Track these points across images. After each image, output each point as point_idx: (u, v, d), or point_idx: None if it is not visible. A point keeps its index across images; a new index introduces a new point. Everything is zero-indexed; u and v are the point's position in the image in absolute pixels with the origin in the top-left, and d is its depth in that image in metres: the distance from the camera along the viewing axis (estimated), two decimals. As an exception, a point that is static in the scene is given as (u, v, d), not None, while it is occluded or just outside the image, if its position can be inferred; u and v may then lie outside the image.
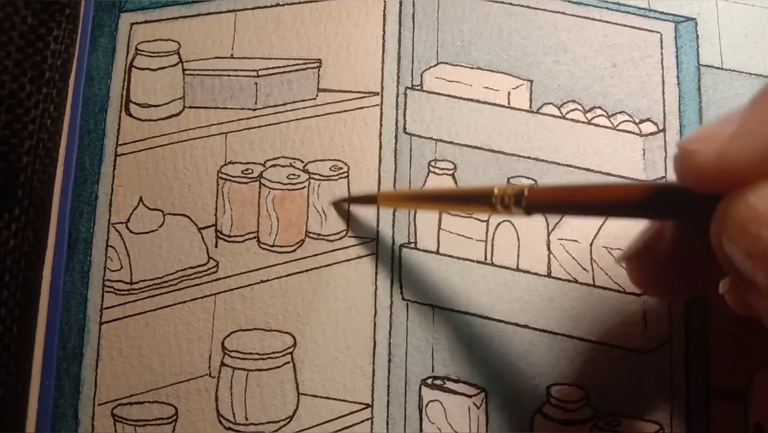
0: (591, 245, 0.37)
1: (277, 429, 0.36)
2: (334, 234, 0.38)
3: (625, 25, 0.40)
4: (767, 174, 0.22)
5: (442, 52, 0.40)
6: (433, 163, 0.39)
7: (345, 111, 0.39)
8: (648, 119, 0.38)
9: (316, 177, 0.39)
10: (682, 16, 0.40)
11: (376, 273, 0.38)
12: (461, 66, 0.40)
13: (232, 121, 0.39)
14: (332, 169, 0.39)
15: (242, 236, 0.38)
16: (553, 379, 0.36)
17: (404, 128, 0.39)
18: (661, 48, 0.39)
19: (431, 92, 0.39)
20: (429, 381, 0.36)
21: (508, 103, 0.39)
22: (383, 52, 0.40)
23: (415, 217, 0.38)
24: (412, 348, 0.37)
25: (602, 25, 0.40)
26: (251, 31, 0.41)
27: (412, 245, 0.38)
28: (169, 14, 0.41)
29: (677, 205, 0.26)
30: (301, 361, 0.37)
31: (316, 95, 0.40)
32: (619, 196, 0.27)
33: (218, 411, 0.36)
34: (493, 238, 0.38)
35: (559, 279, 0.37)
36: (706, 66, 0.39)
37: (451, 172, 0.38)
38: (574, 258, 0.37)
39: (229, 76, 0.40)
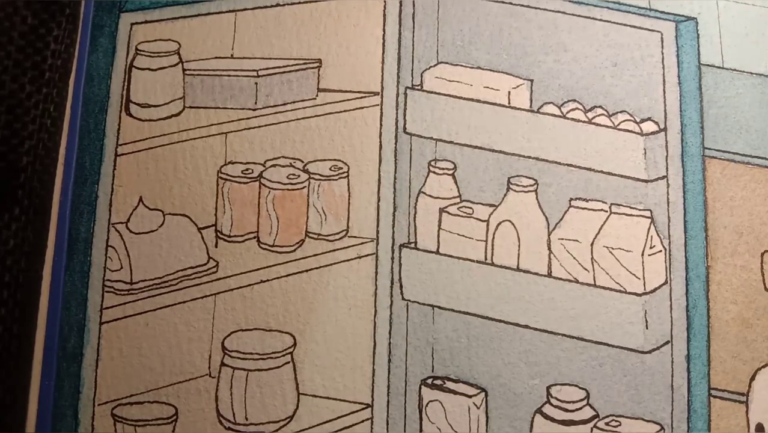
0: (592, 244, 0.37)
1: (277, 429, 0.36)
2: (334, 234, 0.38)
3: (625, 25, 0.39)
4: None
5: (442, 52, 0.40)
6: (433, 163, 0.39)
7: (345, 111, 0.39)
8: (649, 118, 0.38)
9: (316, 177, 0.39)
10: (682, 16, 0.39)
11: (376, 273, 0.38)
12: (461, 66, 0.40)
13: (232, 121, 0.39)
14: (332, 169, 0.39)
15: (242, 235, 0.38)
16: (553, 379, 0.36)
17: (404, 128, 0.39)
18: (662, 47, 0.39)
19: (431, 92, 0.39)
20: (429, 381, 0.36)
21: (509, 103, 0.39)
22: (383, 52, 0.40)
23: (415, 217, 0.38)
24: (412, 348, 0.37)
25: (603, 25, 0.40)
26: (251, 31, 0.41)
27: (412, 245, 0.38)
28: (169, 14, 0.41)
29: None
30: (301, 361, 0.37)
31: (316, 95, 0.40)
32: None
33: (218, 411, 0.36)
34: (493, 238, 0.38)
35: (560, 279, 0.37)
36: (707, 65, 0.39)
37: (451, 171, 0.38)
38: (574, 258, 0.37)
39: (229, 76, 0.40)
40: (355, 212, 0.39)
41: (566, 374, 0.36)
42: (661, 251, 0.37)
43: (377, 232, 0.38)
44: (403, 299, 0.37)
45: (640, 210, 0.37)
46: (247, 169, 0.39)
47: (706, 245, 0.36)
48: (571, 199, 0.38)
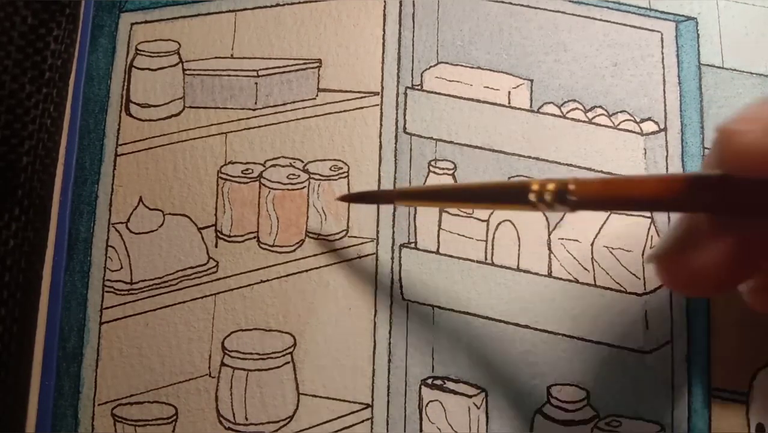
0: (592, 244, 0.37)
1: (277, 429, 0.36)
2: (334, 234, 0.38)
3: (625, 25, 0.39)
4: None
5: (442, 52, 0.40)
6: (433, 163, 0.39)
7: (345, 111, 0.39)
8: (649, 118, 0.38)
9: (316, 177, 0.39)
10: (682, 16, 0.39)
11: (376, 273, 0.38)
12: (461, 66, 0.40)
13: (232, 121, 0.39)
14: (332, 169, 0.39)
15: (242, 235, 0.38)
16: (554, 379, 0.36)
17: (404, 128, 0.39)
18: (662, 47, 0.39)
19: (431, 92, 0.39)
20: (429, 381, 0.36)
21: (509, 103, 0.39)
22: (383, 52, 0.40)
23: (415, 217, 0.38)
24: (412, 348, 0.37)
25: (603, 25, 0.40)
26: (251, 31, 0.41)
27: (412, 245, 0.38)
28: (169, 14, 0.41)
29: (722, 195, 0.24)
30: (301, 361, 0.37)
31: (316, 95, 0.40)
32: (661, 190, 0.25)
33: (218, 411, 0.36)
34: (493, 238, 0.38)
35: (560, 279, 0.37)
36: (707, 65, 0.39)
37: (451, 171, 0.38)
38: (574, 258, 0.37)
39: (229, 76, 0.40)
40: (355, 212, 0.38)
41: (566, 374, 0.36)
42: (661, 251, 0.37)
43: (377, 232, 0.38)
44: (403, 299, 0.37)
45: (640, 210, 0.37)
46: (247, 169, 0.39)
47: (707, 244, 0.36)
48: (571, 199, 0.38)
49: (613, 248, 0.37)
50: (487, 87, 0.39)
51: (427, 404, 0.36)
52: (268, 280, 0.38)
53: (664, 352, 0.36)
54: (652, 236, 0.37)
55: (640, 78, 0.39)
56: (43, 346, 0.37)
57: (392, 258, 0.38)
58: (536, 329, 0.36)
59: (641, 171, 0.38)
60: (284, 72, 0.40)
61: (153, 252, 0.38)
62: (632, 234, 0.37)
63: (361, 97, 0.39)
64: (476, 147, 0.39)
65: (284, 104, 0.40)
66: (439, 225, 0.38)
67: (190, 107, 0.40)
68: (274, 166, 0.39)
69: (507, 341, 0.36)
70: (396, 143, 0.39)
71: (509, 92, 0.39)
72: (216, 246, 0.38)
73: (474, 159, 0.38)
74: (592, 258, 0.37)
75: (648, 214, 0.37)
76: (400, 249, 0.38)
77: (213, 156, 0.39)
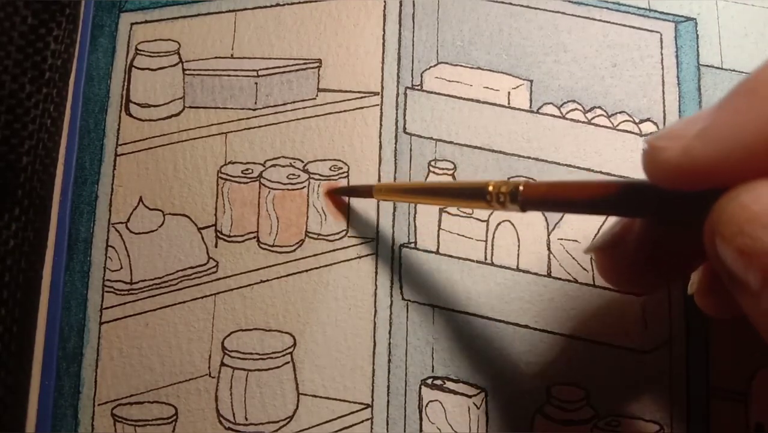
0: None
1: (277, 429, 0.36)
2: (334, 234, 0.38)
3: (625, 25, 0.40)
4: (734, 173, 0.22)
5: (442, 52, 0.40)
6: (433, 163, 0.39)
7: (345, 111, 0.39)
8: (648, 119, 0.38)
9: (316, 177, 0.39)
10: (682, 16, 0.40)
11: (376, 273, 0.38)
12: (461, 66, 0.40)
13: (232, 121, 0.39)
14: (332, 169, 0.39)
15: (242, 235, 0.38)
16: (553, 379, 0.36)
17: (404, 128, 0.39)
18: (661, 48, 0.39)
19: (431, 92, 0.39)
20: (429, 381, 0.36)
21: (508, 103, 0.39)
22: (383, 52, 0.40)
23: (415, 217, 0.38)
24: (412, 348, 0.37)
25: (602, 25, 0.40)
26: (251, 31, 0.41)
27: (412, 245, 0.38)
28: (169, 14, 0.41)
29: (648, 202, 0.26)
30: (301, 361, 0.37)
31: (316, 95, 0.40)
32: (597, 194, 0.27)
33: (218, 411, 0.36)
34: (493, 238, 0.38)
35: (559, 279, 0.37)
36: (706, 66, 0.39)
37: (451, 172, 0.38)
38: (574, 258, 0.37)
39: (229, 76, 0.40)
40: (355, 212, 0.39)
41: (566, 374, 0.36)
42: (660, 251, 0.37)
43: (377, 232, 0.38)
44: (403, 299, 0.37)
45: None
46: (247, 169, 0.39)
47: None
48: (570, 200, 0.38)
49: (612, 248, 0.37)
50: (487, 87, 0.39)
51: (427, 404, 0.36)
52: (268, 280, 0.38)
53: (663, 352, 0.36)
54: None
55: (639, 79, 0.39)
56: (43, 346, 0.37)
57: (392, 258, 0.38)
58: (536, 329, 0.36)
59: (640, 172, 0.38)
60: (284, 72, 0.40)
61: (153, 252, 0.38)
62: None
63: (361, 97, 0.40)
64: (476, 147, 0.39)
65: (284, 104, 0.40)
66: (439, 225, 0.38)
67: (190, 107, 0.40)
68: (274, 166, 0.39)
69: (507, 341, 0.36)
70: (396, 143, 0.39)
71: (509, 93, 0.39)
72: (216, 246, 0.38)
73: (474, 159, 0.39)
74: (592, 258, 0.37)
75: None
76: (400, 249, 0.38)
77: (213, 156, 0.39)
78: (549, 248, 0.37)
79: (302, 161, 0.39)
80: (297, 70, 0.40)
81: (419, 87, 0.40)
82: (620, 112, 0.39)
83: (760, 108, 0.22)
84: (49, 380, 0.36)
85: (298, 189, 0.39)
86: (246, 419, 0.36)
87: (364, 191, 0.37)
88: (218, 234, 0.38)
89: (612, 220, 0.32)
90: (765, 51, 0.39)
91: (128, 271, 0.38)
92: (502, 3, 0.40)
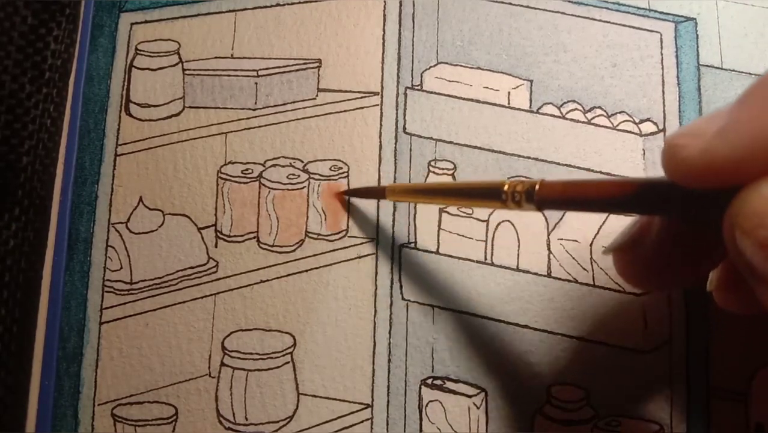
0: (591, 244, 0.37)
1: (277, 429, 0.36)
2: (334, 234, 0.38)
3: (625, 25, 0.40)
4: (754, 171, 0.22)
5: (442, 52, 0.40)
6: (433, 163, 0.39)
7: (345, 111, 0.39)
8: (648, 119, 0.38)
9: (316, 177, 0.39)
10: (682, 16, 0.40)
11: (376, 273, 0.38)
12: (461, 66, 0.40)
13: (232, 121, 0.39)
14: (332, 169, 0.39)
15: (242, 235, 0.38)
16: (553, 379, 0.36)
17: (404, 128, 0.39)
18: (661, 48, 0.39)
19: (431, 92, 0.39)
20: (429, 381, 0.36)
21: (508, 103, 0.39)
22: (383, 52, 0.40)
23: (415, 217, 0.38)
24: (412, 348, 0.37)
25: (602, 25, 0.40)
26: (251, 31, 0.41)
27: (412, 245, 0.38)
28: (169, 14, 0.41)
29: (667, 200, 0.26)
30: (301, 361, 0.37)
31: (316, 95, 0.40)
32: (614, 192, 0.27)
33: (218, 411, 0.36)
34: (493, 238, 0.38)
35: (559, 279, 0.37)
36: (706, 66, 0.39)
37: (451, 172, 0.38)
38: (574, 258, 0.37)
39: (229, 76, 0.40)
40: (355, 212, 0.39)
41: (566, 374, 0.36)
42: (660, 251, 0.37)
43: (377, 232, 0.38)
44: (403, 299, 0.37)
45: (639, 210, 0.37)
46: (247, 169, 0.39)
47: (706, 244, 0.36)
48: (570, 200, 0.38)
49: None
50: (487, 87, 0.39)
51: (427, 404, 0.36)
52: (268, 280, 0.38)
53: (663, 352, 0.36)
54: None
55: (639, 79, 0.39)
56: (43, 346, 0.37)
57: (392, 258, 0.38)
58: (536, 329, 0.36)
59: (640, 172, 0.38)
60: (284, 72, 0.40)
61: (153, 252, 0.38)
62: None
63: (361, 97, 0.40)
64: (476, 147, 0.39)
65: (284, 104, 0.40)
66: (439, 225, 0.38)
67: (190, 107, 0.40)
68: (274, 166, 0.39)
69: (507, 341, 0.36)
70: (396, 143, 0.39)
71: (509, 93, 0.39)
72: (216, 246, 0.38)
73: (474, 159, 0.39)
74: (591, 258, 0.37)
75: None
76: (400, 249, 0.38)
77: (213, 156, 0.39)
78: (549, 248, 0.37)
79: (302, 161, 0.39)
80: (297, 70, 0.40)
81: (419, 87, 0.40)
82: (620, 112, 0.39)
83: None
84: (49, 380, 0.36)
85: (298, 189, 0.39)
86: (246, 419, 0.36)
87: (378, 192, 0.37)
88: (218, 234, 0.38)
89: (629, 220, 0.32)
90: (765, 51, 0.39)
91: (128, 271, 0.38)
92: (502, 3, 0.40)
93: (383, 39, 0.40)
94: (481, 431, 0.36)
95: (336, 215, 0.39)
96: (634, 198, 0.26)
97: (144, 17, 0.41)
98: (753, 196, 0.22)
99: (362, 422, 0.36)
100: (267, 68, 0.40)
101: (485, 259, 0.37)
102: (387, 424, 0.36)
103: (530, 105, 0.39)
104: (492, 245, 0.37)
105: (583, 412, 0.35)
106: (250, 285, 0.38)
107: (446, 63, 0.40)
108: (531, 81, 0.39)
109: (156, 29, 0.41)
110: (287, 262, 0.38)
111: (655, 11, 0.40)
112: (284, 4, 0.41)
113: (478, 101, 0.39)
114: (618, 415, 0.35)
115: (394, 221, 0.38)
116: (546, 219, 0.38)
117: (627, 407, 0.35)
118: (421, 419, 0.36)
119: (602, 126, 0.38)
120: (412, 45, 0.40)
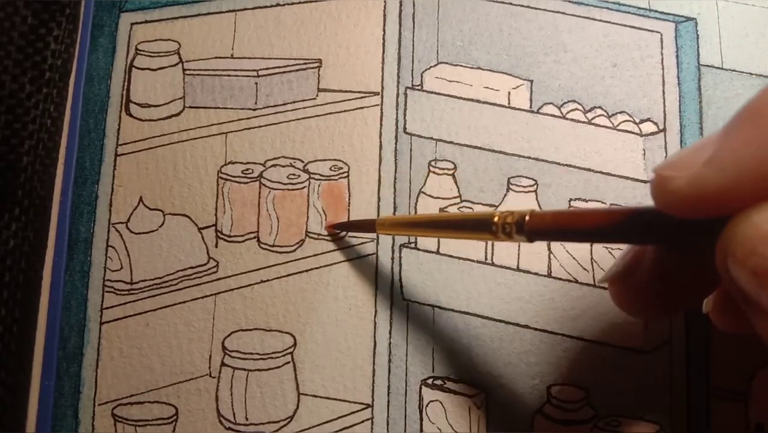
0: (591, 245, 0.37)
1: (277, 429, 0.36)
2: (335, 234, 0.38)
3: (625, 25, 0.40)
4: (744, 199, 0.22)
5: (442, 52, 0.40)
6: (433, 163, 0.39)
7: (345, 111, 0.39)
8: (648, 119, 0.38)
9: (316, 177, 0.39)
10: (682, 16, 0.40)
11: (376, 273, 0.38)
12: (461, 66, 0.40)
13: (232, 121, 0.39)
14: (332, 169, 0.39)
15: (242, 235, 0.38)
16: (553, 379, 0.36)
17: (404, 128, 0.39)
18: (662, 48, 0.39)
19: (431, 92, 0.39)
20: (429, 381, 0.36)
21: (508, 103, 0.39)
22: (383, 52, 0.40)
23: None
24: (412, 348, 0.37)
25: (602, 25, 0.40)
26: (251, 31, 0.41)
27: (412, 245, 0.38)
28: (169, 14, 0.41)
29: (658, 229, 0.26)
30: (301, 361, 0.37)
31: (316, 95, 0.40)
32: (605, 222, 0.27)
33: (218, 411, 0.36)
34: (494, 238, 0.38)
35: (560, 279, 0.37)
36: (707, 66, 0.39)
37: (451, 172, 0.38)
38: (574, 258, 0.37)
39: (229, 76, 0.40)
40: (355, 212, 0.39)
41: (566, 374, 0.36)
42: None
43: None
44: (403, 299, 0.37)
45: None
46: (247, 169, 0.39)
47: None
48: (570, 200, 0.38)
49: (612, 249, 0.37)
50: (487, 87, 0.39)
51: (428, 404, 0.36)
52: (268, 280, 0.38)
53: (663, 351, 0.36)
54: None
55: (639, 79, 0.39)
56: (43, 346, 0.37)
57: (392, 258, 0.38)
58: (536, 329, 0.37)
59: (641, 172, 0.38)
60: (284, 72, 0.40)
61: (153, 252, 0.38)
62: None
63: (361, 97, 0.40)
64: (476, 147, 0.39)
65: (284, 104, 0.40)
66: (439, 225, 0.38)
67: (190, 107, 0.40)
68: (274, 166, 0.39)
69: (507, 341, 0.36)
70: (396, 143, 0.39)
71: (509, 93, 0.39)
72: (216, 246, 0.38)
73: (474, 159, 0.39)
74: (592, 258, 0.37)
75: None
76: (400, 249, 0.38)
77: (213, 156, 0.39)
78: (549, 248, 0.37)
79: (302, 161, 0.39)
80: (297, 70, 0.40)
81: (419, 87, 0.40)
82: (620, 112, 0.39)
83: (767, 133, 0.22)
84: (49, 380, 0.36)
85: (298, 189, 0.39)
86: (246, 419, 0.36)
87: (367, 226, 0.37)
88: (218, 234, 0.38)
89: (622, 249, 0.32)
90: (765, 51, 0.39)
91: (128, 271, 0.38)
92: (502, 3, 0.40)
93: (383, 39, 0.40)
94: (481, 431, 0.36)
95: (336, 215, 0.39)
96: (624, 227, 0.27)
97: (144, 17, 0.41)
98: (744, 224, 0.22)
99: (362, 422, 0.36)
100: (267, 68, 0.40)
101: (485, 259, 0.37)
102: (387, 424, 0.36)
103: (530, 105, 0.39)
104: (492, 245, 0.37)
105: (583, 412, 0.35)
106: (250, 285, 0.38)
107: (446, 63, 0.40)
108: (531, 81, 0.39)
109: (156, 29, 0.41)
110: (287, 262, 0.38)
111: (656, 11, 0.40)
112: (284, 4, 0.41)
113: (478, 101, 0.39)
114: (618, 415, 0.35)
115: (394, 221, 0.38)
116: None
117: (627, 407, 0.35)
118: (421, 419, 0.36)
119: (602, 126, 0.38)
120: (413, 45, 0.40)
